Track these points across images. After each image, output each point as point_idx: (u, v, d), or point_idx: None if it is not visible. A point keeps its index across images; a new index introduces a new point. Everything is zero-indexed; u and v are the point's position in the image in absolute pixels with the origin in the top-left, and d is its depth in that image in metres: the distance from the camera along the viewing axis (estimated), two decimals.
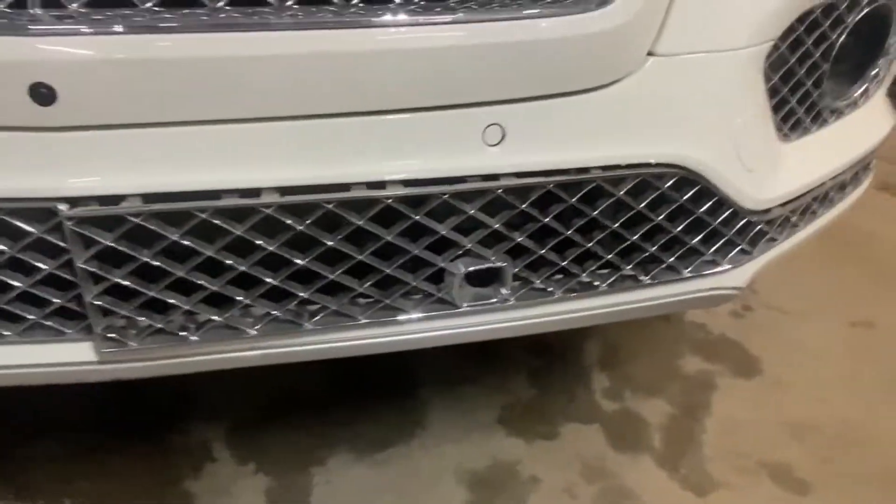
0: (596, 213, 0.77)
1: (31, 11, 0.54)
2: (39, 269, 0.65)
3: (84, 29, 0.55)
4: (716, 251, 0.87)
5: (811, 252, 1.88)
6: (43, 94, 0.55)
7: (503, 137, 0.69)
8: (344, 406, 1.30)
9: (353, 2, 0.62)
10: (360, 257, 0.71)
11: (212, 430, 1.23)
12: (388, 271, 0.73)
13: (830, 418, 1.33)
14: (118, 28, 0.56)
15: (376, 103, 0.65)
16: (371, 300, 0.76)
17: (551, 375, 1.40)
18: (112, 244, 0.63)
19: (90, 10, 0.56)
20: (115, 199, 0.61)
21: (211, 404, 1.29)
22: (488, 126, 0.68)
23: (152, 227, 0.63)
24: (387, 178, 0.67)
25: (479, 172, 0.69)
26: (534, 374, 1.40)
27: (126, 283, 0.66)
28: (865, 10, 0.92)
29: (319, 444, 1.21)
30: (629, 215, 0.79)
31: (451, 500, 1.13)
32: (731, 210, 0.83)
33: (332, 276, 0.72)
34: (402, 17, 0.62)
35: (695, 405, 1.35)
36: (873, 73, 1.03)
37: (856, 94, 1.03)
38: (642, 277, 0.84)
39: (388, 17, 0.61)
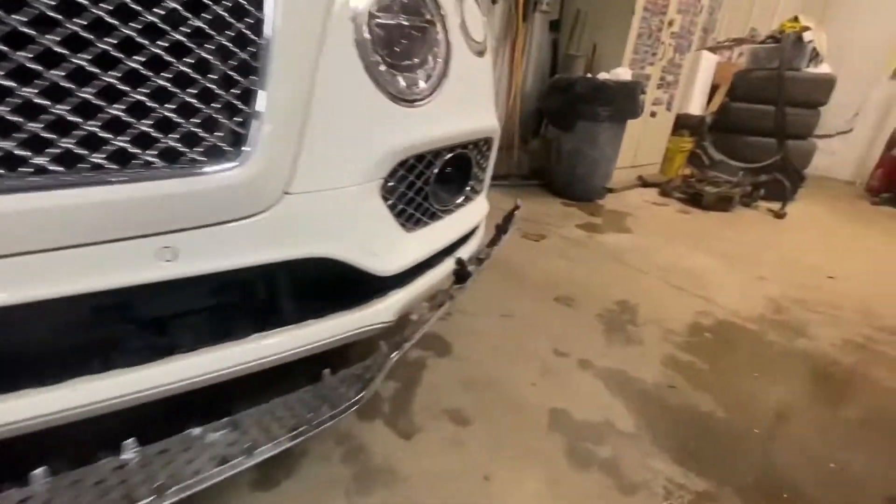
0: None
1: None
2: None
3: None
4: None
5: (483, 275, 1.97)
6: None
7: (177, 255, 0.59)
8: None
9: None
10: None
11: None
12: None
13: (485, 376, 1.36)
14: None
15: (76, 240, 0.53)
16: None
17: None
18: None
19: None
20: None
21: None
22: (161, 248, 0.58)
23: None
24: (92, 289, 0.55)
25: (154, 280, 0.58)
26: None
27: None
28: (448, 156, 0.95)
29: None
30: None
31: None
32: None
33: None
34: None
35: (412, 380, 1.33)
36: (468, 188, 1.08)
37: (459, 201, 1.06)
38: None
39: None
